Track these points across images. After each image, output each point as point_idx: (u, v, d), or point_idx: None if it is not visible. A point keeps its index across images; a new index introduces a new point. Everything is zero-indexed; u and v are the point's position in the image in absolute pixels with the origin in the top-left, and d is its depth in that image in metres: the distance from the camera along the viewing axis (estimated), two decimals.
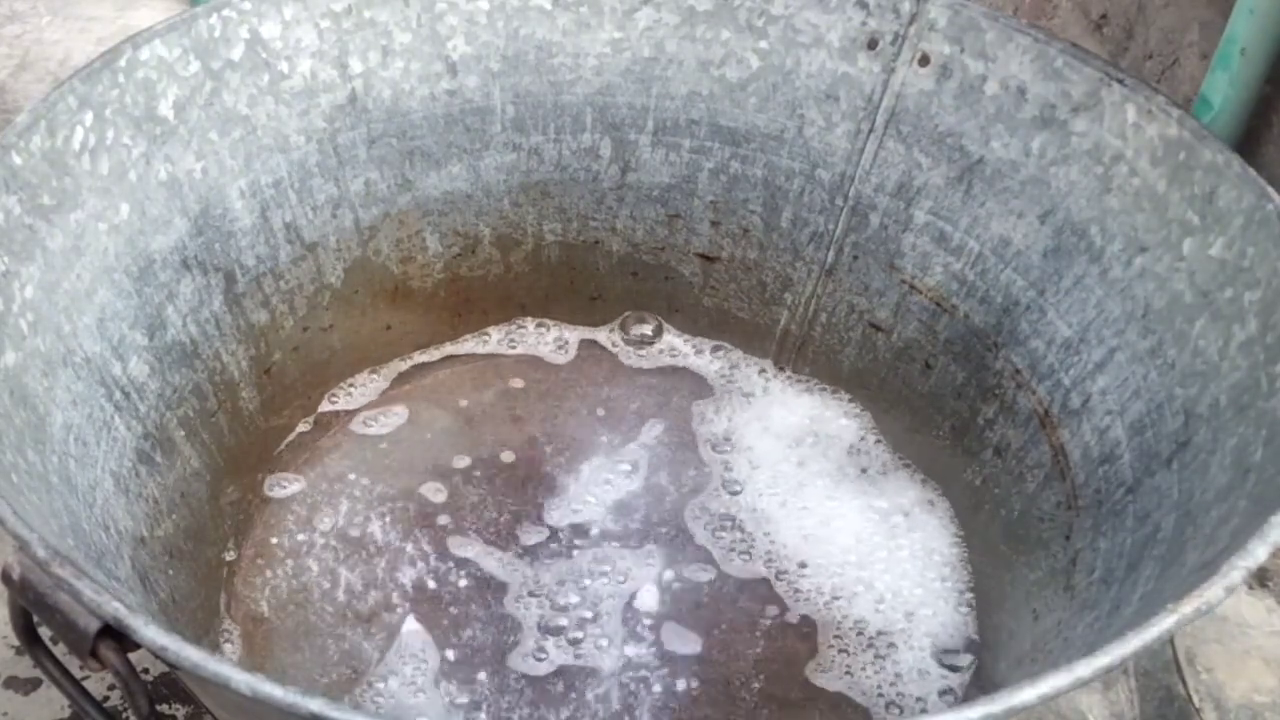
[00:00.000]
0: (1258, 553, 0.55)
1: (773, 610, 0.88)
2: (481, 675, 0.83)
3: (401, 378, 1.04)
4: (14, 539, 0.53)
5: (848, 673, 0.84)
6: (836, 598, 0.88)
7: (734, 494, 0.95)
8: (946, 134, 0.91)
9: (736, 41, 0.96)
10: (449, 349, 1.07)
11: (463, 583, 0.89)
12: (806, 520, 0.93)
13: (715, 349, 1.08)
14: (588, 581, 0.89)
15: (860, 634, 0.86)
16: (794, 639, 0.86)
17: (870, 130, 0.94)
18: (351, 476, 0.96)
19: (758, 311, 1.05)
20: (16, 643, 0.82)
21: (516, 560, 0.90)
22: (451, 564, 0.90)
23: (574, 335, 1.09)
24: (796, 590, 0.88)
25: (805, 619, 0.87)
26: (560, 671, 0.83)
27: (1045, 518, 0.83)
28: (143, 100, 0.81)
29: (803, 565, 0.90)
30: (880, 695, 0.82)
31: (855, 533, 0.92)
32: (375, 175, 0.96)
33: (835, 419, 1.01)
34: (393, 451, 0.98)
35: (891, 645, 0.85)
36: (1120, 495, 0.76)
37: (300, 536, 0.91)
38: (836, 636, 0.86)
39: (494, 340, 1.08)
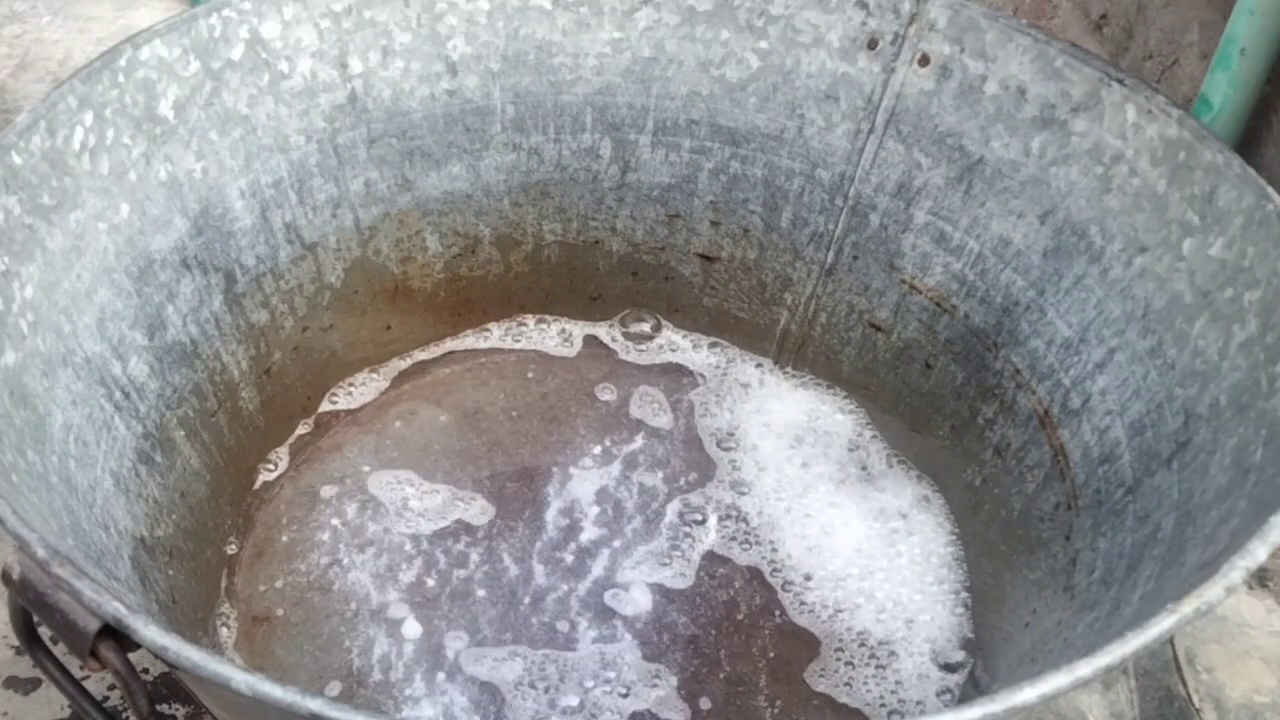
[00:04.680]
0: (1258, 553, 0.55)
1: (777, 622, 0.88)
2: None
3: (402, 376, 1.04)
4: (14, 539, 0.53)
5: (848, 684, 0.84)
6: (840, 610, 0.88)
7: (741, 494, 0.95)
8: (946, 134, 0.91)
9: (736, 41, 0.96)
10: (449, 344, 1.07)
11: (460, 585, 0.89)
12: (810, 528, 0.93)
13: (713, 345, 1.08)
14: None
15: (863, 645, 0.86)
16: (798, 650, 0.86)
17: (870, 130, 0.94)
18: (351, 478, 0.96)
19: (758, 311, 1.05)
20: (16, 643, 0.82)
21: (512, 563, 0.90)
22: (451, 564, 0.90)
23: (576, 329, 1.09)
24: (802, 603, 0.88)
25: (809, 632, 0.87)
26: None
27: (1045, 518, 0.83)
28: (143, 100, 0.81)
29: (808, 578, 0.90)
30: (882, 705, 0.82)
31: (856, 544, 0.92)
32: (375, 175, 0.96)
33: (832, 414, 1.02)
34: (393, 452, 0.98)
35: (892, 654, 0.85)
36: (1120, 495, 0.76)
37: (300, 537, 0.91)
38: (838, 649, 0.85)
39: (495, 335, 1.08)
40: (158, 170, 0.83)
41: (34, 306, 0.71)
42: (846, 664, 0.85)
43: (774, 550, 0.92)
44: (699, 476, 0.97)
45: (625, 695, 0.82)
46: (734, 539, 0.92)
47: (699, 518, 0.94)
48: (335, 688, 0.82)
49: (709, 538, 0.92)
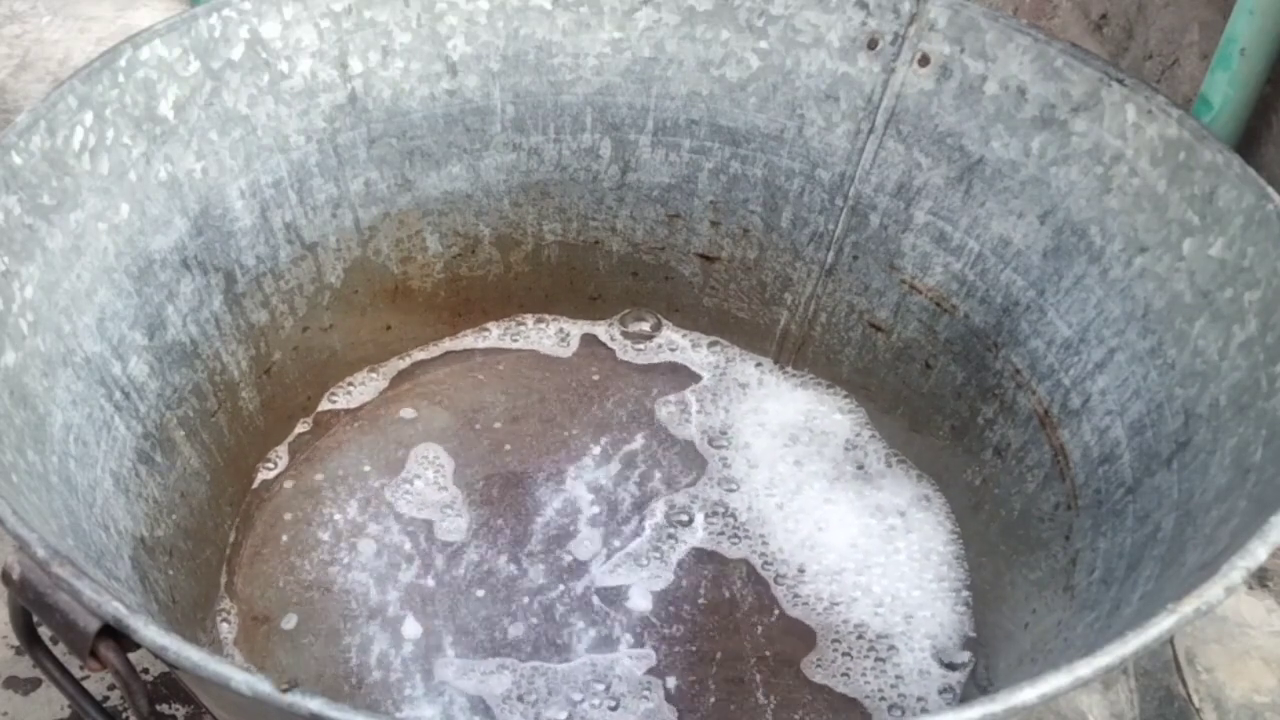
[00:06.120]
0: (1258, 553, 0.55)
1: (771, 616, 0.88)
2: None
3: (401, 376, 1.04)
4: (14, 539, 0.53)
5: (845, 674, 0.84)
6: (836, 603, 0.88)
7: (730, 490, 0.95)
8: (946, 134, 0.91)
9: (736, 41, 0.96)
10: (449, 344, 1.07)
11: (460, 585, 0.89)
12: (803, 524, 0.93)
13: (712, 344, 1.08)
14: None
15: (861, 637, 0.86)
16: (794, 643, 0.86)
17: (870, 130, 0.94)
18: (351, 477, 0.96)
19: (758, 311, 1.05)
20: (16, 643, 0.82)
21: (507, 564, 0.90)
22: (449, 564, 0.90)
23: (575, 329, 1.09)
24: (796, 595, 0.88)
25: (804, 625, 0.87)
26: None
27: (1045, 518, 0.83)
28: (143, 100, 0.81)
29: (801, 571, 0.90)
30: (883, 698, 0.82)
31: (852, 539, 0.92)
32: (375, 175, 0.96)
33: (830, 414, 1.02)
34: (392, 452, 0.98)
35: (892, 648, 0.85)
36: (1120, 495, 0.76)
37: (300, 537, 0.91)
38: (835, 640, 0.86)
39: (494, 335, 1.08)
40: (158, 170, 0.83)
41: (34, 306, 0.71)
42: (844, 655, 0.85)
43: (764, 544, 0.92)
44: (693, 476, 0.97)
45: (614, 708, 0.82)
46: (722, 534, 0.92)
47: (684, 518, 0.94)
48: (335, 686, 0.82)
49: (696, 536, 0.92)
